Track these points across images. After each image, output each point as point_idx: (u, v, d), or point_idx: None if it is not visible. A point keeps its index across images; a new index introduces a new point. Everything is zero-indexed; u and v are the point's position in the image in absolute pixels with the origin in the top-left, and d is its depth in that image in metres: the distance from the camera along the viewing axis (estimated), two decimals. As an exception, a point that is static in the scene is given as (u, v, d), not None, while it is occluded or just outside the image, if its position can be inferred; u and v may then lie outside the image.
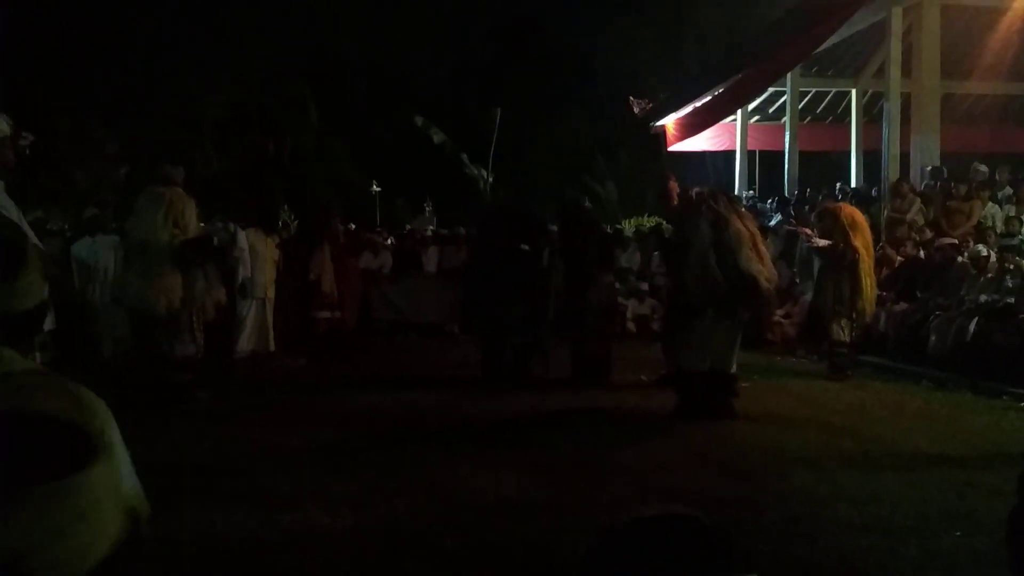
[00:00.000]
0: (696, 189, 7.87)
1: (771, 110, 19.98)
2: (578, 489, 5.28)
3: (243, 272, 10.37)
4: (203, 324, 7.97)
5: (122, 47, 23.36)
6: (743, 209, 7.93)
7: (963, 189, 12.72)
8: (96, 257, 10.68)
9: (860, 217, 9.86)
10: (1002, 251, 10.12)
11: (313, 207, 17.21)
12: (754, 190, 19.72)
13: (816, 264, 10.10)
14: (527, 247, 9.33)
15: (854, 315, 9.55)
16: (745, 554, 0.96)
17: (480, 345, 9.59)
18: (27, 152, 5.81)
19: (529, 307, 9.23)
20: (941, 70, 14.55)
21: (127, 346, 10.44)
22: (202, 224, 8.95)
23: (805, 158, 18.82)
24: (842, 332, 9.53)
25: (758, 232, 7.72)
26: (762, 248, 7.51)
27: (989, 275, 9.90)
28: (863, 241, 9.54)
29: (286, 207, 15.94)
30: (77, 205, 14.17)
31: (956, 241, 11.22)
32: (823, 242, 9.64)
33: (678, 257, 7.60)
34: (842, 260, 9.39)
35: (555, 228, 10.11)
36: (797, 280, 11.99)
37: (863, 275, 9.47)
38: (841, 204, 10.95)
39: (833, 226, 9.56)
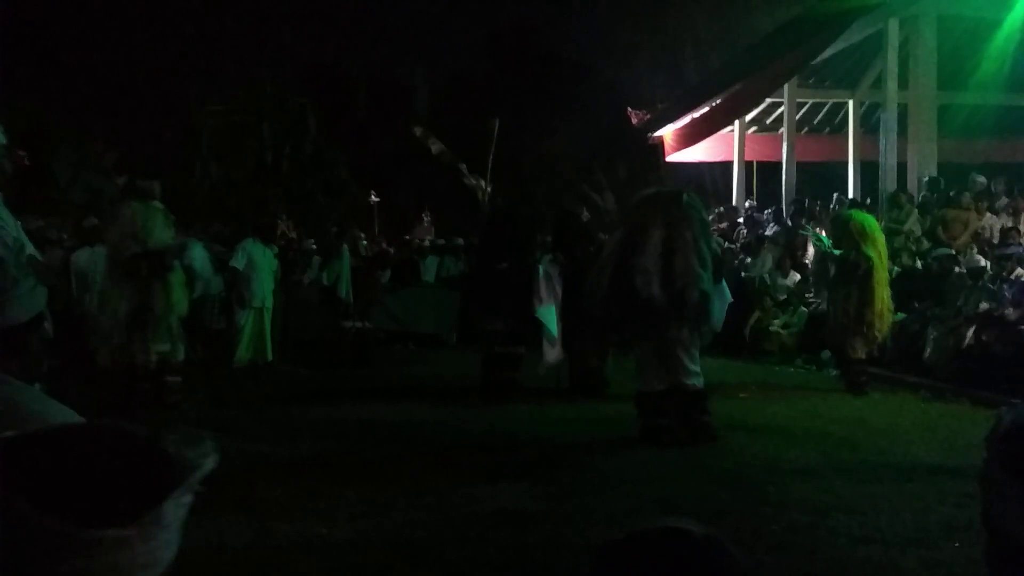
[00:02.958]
0: (646, 192, 7.29)
1: (768, 121, 20.00)
2: (576, 500, 5.28)
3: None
4: (181, 335, 7.97)
5: (121, 56, 23.43)
6: (689, 213, 6.75)
7: (960, 200, 12.75)
8: (95, 267, 10.63)
9: (873, 225, 9.38)
10: (999, 261, 10.12)
11: (319, 219, 17.23)
12: (751, 200, 19.73)
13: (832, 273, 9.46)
14: (506, 264, 9.11)
15: (864, 329, 9.02)
16: (739, 567, 0.96)
17: (478, 355, 9.57)
18: (25, 162, 5.82)
19: (513, 319, 9.06)
20: (938, 81, 14.59)
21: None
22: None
23: (802, 169, 18.85)
24: (854, 350, 9.01)
25: (685, 240, 6.63)
26: (678, 260, 6.56)
27: (988, 285, 9.90)
28: (876, 250, 9.05)
29: (284, 217, 15.94)
30: (77, 215, 14.17)
31: (953, 251, 11.23)
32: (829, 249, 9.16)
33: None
34: (855, 270, 8.92)
35: (549, 238, 10.08)
36: (812, 290, 11.42)
37: (876, 286, 8.97)
38: (852, 212, 10.38)
39: (843, 234, 9.18)
